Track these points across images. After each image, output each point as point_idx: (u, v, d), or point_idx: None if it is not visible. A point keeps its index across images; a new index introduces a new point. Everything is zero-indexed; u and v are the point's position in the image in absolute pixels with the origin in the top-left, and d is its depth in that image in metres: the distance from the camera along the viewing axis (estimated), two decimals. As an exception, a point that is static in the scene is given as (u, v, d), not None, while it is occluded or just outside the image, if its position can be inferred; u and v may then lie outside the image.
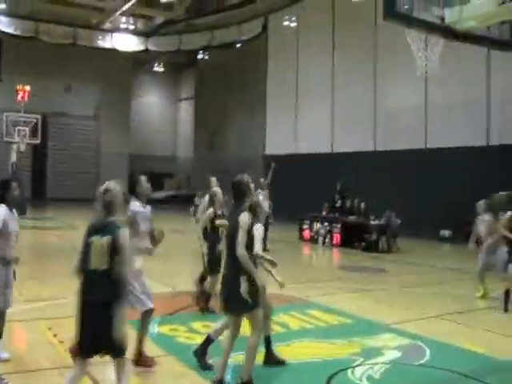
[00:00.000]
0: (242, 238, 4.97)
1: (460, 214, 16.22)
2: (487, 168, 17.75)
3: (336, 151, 25.06)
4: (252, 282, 4.99)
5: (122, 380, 4.35)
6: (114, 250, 4.20)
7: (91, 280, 4.24)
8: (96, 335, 4.15)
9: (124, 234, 4.31)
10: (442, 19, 8.59)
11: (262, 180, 13.23)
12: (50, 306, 8.28)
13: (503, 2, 7.60)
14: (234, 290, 4.97)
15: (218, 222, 7.84)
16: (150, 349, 6.04)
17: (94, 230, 4.34)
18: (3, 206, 5.54)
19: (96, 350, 4.24)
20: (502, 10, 7.99)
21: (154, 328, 7.31)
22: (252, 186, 5.42)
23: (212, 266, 7.84)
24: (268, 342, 5.96)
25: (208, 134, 41.02)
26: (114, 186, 4.48)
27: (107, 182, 4.52)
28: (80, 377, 4.38)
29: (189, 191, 36.77)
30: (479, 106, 19.11)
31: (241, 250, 4.95)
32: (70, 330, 4.55)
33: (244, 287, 4.94)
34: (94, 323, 4.15)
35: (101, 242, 4.23)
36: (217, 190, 8.27)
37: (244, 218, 5.03)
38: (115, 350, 4.23)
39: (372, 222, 17.20)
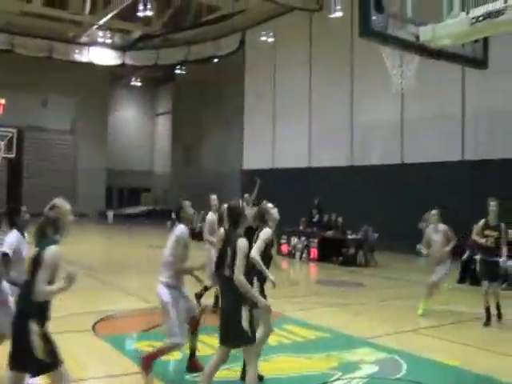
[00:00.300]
0: (240, 263, 4.79)
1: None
2: (462, 182, 18.00)
3: (313, 166, 25.19)
4: (252, 312, 4.83)
5: None
6: (36, 263, 4.06)
7: (21, 290, 4.20)
8: (15, 347, 4.00)
9: (50, 252, 4.07)
10: (417, 37, 8.75)
11: (246, 195, 13.33)
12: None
13: (476, 22, 7.77)
14: (234, 321, 4.77)
15: None
16: (127, 366, 5.97)
17: (36, 242, 4.25)
18: (15, 230, 5.47)
19: (16, 364, 4.04)
20: (474, 30, 8.17)
21: (131, 344, 7.24)
22: (247, 211, 5.39)
23: None
24: None
25: (185, 149, 40.93)
26: (63, 204, 4.33)
27: (56, 199, 4.38)
28: None
29: (166, 206, 36.64)
30: (454, 122, 19.39)
31: (239, 275, 4.76)
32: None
33: (245, 318, 4.76)
34: (14, 334, 4.04)
35: (31, 253, 4.17)
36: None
37: (241, 244, 4.86)
38: (37, 366, 3.99)
39: (349, 237, 17.29)
